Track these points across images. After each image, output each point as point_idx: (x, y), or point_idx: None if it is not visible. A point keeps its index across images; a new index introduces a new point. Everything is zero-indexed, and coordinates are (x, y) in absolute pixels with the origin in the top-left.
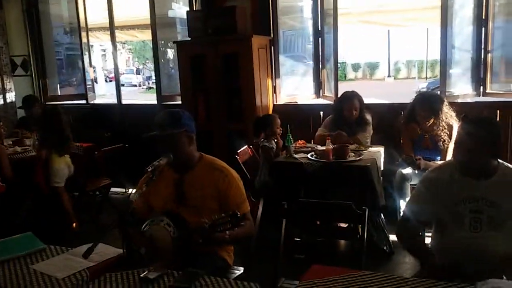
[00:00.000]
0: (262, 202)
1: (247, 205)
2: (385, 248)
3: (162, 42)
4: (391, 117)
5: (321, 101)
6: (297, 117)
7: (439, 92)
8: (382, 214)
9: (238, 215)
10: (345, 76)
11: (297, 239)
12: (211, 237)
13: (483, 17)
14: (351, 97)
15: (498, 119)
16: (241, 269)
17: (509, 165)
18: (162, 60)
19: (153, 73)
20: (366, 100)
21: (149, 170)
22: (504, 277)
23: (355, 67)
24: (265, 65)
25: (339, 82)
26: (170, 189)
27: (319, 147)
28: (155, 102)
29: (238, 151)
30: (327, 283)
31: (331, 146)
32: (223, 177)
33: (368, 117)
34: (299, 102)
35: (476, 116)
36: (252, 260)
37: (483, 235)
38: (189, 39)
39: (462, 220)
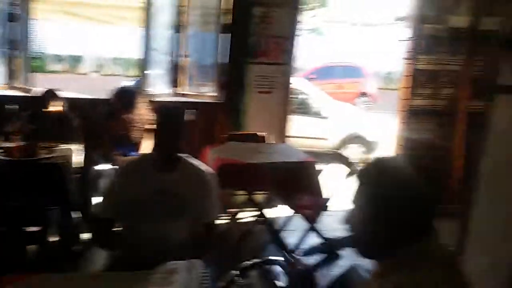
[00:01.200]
0: None
1: None
2: (76, 248)
3: None
4: (93, 112)
5: (15, 92)
6: None
7: (136, 90)
8: (79, 213)
9: None
10: (45, 68)
11: None
12: None
13: (180, 24)
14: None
15: (194, 117)
16: None
17: (190, 159)
18: None
19: None
20: (70, 95)
21: None
22: None
23: (58, 59)
24: None
25: (39, 74)
26: None
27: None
28: None
29: None
30: None
31: (16, 144)
32: None
33: (69, 113)
34: None
35: (172, 106)
36: None
37: (168, 225)
38: None
39: (148, 212)
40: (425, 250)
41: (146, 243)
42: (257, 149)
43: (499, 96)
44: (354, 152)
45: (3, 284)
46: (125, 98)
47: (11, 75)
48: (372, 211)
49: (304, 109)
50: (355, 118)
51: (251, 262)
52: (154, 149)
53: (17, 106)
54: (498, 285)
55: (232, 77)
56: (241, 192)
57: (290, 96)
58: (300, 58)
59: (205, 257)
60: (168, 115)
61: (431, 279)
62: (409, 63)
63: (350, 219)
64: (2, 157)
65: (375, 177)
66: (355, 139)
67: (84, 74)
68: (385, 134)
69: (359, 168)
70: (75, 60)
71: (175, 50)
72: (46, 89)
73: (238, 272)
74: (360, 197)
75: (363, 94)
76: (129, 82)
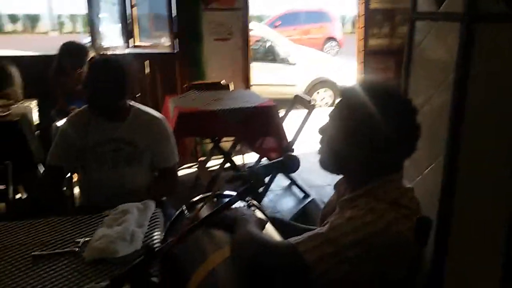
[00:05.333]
0: None
1: None
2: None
3: None
4: (43, 69)
5: None
6: None
7: (85, 44)
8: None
9: None
10: (1, 28)
11: None
12: None
13: None
14: None
15: (147, 69)
16: None
17: (141, 107)
18: None
19: None
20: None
21: None
22: None
23: (13, 19)
24: None
25: None
26: None
27: None
28: None
29: None
30: None
31: None
32: None
33: (12, 69)
34: None
35: (102, 58)
36: None
37: (122, 171)
38: None
39: (103, 160)
40: (387, 187)
41: (102, 191)
42: (216, 96)
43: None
44: (323, 96)
45: None
46: (73, 52)
47: None
48: (349, 138)
49: (270, 56)
50: (322, 63)
51: (200, 197)
52: (90, 104)
53: None
54: None
55: (185, 26)
56: (207, 140)
57: (250, 42)
58: (262, 5)
59: (164, 201)
60: (100, 67)
61: (383, 219)
62: (363, 3)
63: (321, 141)
64: None
65: (354, 99)
66: (323, 83)
67: (44, 33)
68: (353, 78)
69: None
70: (33, 19)
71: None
72: None
73: (186, 206)
74: (335, 123)
75: (330, 39)
76: (87, 38)
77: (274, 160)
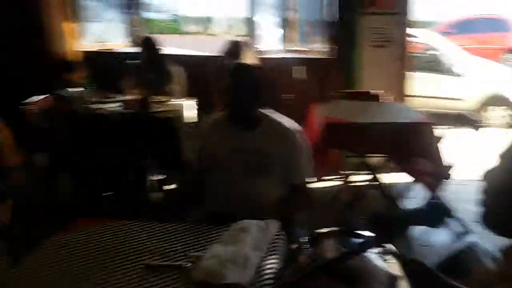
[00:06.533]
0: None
1: (11, 157)
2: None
3: None
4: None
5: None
6: (110, 66)
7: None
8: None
9: None
10: (179, 29)
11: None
12: None
13: None
14: (144, 43)
15: (304, 75)
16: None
17: (274, 116)
18: None
19: None
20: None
21: None
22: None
23: (190, 21)
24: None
25: (173, 35)
26: None
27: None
28: None
29: (31, 101)
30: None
31: (133, 97)
32: None
33: (173, 68)
34: (110, 49)
35: (241, 65)
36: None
37: (251, 182)
38: None
39: (232, 169)
40: None
41: (229, 201)
42: (367, 108)
43: None
44: (496, 116)
45: (75, 226)
46: (234, 53)
47: (131, 33)
48: None
49: (435, 66)
50: (499, 77)
51: (327, 230)
52: (227, 108)
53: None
54: None
55: (342, 31)
56: (352, 154)
57: (409, 50)
58: (430, 10)
59: (291, 220)
60: (240, 74)
61: None
62: None
63: (488, 190)
64: (119, 110)
65: None
66: (499, 100)
67: (215, 35)
68: None
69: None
70: (207, 21)
71: (283, 5)
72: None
73: (307, 239)
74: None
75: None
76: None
77: (414, 207)
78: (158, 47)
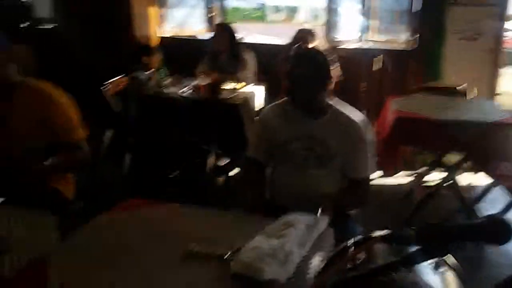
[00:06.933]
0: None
1: (78, 132)
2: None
3: None
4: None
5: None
6: (188, 51)
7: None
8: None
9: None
10: (265, 18)
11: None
12: (25, 167)
13: None
14: (218, 29)
15: (381, 65)
16: (80, 203)
17: (341, 107)
18: None
19: None
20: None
21: None
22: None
23: (276, 10)
24: None
25: (258, 23)
26: None
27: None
28: None
29: (109, 82)
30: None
31: (204, 82)
32: (48, 102)
33: (246, 55)
34: (190, 36)
35: (305, 50)
36: (94, 193)
37: (311, 172)
38: None
39: (292, 158)
40: None
41: (286, 191)
42: (448, 103)
43: None
44: None
45: (129, 206)
46: (305, 41)
47: (211, 20)
48: None
49: None
50: None
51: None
52: (291, 95)
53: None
54: None
55: (426, 22)
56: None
57: (502, 45)
58: None
59: (345, 216)
60: (304, 59)
61: None
62: None
63: None
64: (189, 95)
65: None
66: None
67: (301, 23)
68: None
69: None
70: (292, 10)
71: None
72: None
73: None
74: None
75: None
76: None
77: (472, 221)
78: (234, 34)
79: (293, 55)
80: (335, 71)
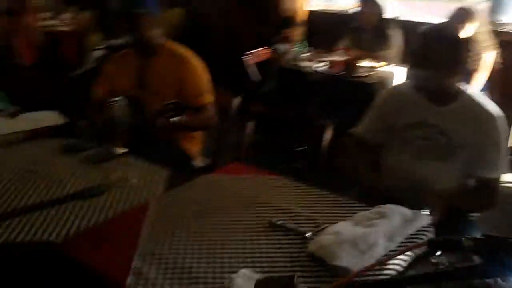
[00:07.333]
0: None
1: (207, 96)
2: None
3: None
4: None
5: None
6: (334, 26)
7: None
8: None
9: (183, 104)
10: None
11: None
12: (154, 123)
13: None
14: (366, 4)
15: None
16: (206, 161)
17: (475, 95)
18: None
19: None
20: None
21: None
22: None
23: None
24: None
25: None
26: (132, 74)
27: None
28: None
29: (251, 52)
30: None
31: (341, 58)
32: (184, 65)
33: (390, 31)
34: (338, 10)
35: (436, 27)
36: (219, 154)
37: (428, 164)
38: None
39: (408, 146)
40: None
41: (397, 181)
42: None
43: None
44: None
45: (226, 170)
46: (459, 20)
47: None
48: None
49: None
50: None
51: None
52: (416, 76)
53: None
54: None
55: None
56: None
57: None
58: None
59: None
60: (431, 36)
61: None
62: None
63: None
64: (324, 70)
65: None
66: None
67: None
68: None
69: None
70: None
71: None
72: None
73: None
74: None
75: None
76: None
77: None
78: (382, 10)
79: (423, 32)
80: (491, 58)
